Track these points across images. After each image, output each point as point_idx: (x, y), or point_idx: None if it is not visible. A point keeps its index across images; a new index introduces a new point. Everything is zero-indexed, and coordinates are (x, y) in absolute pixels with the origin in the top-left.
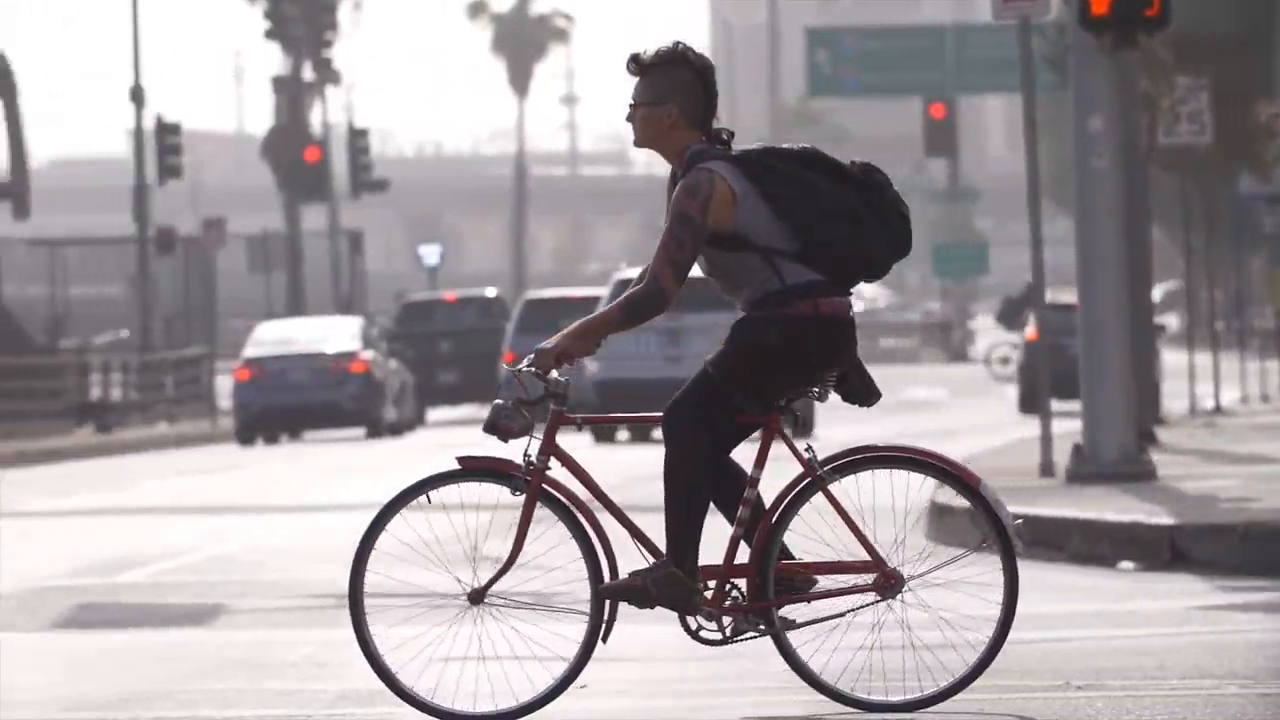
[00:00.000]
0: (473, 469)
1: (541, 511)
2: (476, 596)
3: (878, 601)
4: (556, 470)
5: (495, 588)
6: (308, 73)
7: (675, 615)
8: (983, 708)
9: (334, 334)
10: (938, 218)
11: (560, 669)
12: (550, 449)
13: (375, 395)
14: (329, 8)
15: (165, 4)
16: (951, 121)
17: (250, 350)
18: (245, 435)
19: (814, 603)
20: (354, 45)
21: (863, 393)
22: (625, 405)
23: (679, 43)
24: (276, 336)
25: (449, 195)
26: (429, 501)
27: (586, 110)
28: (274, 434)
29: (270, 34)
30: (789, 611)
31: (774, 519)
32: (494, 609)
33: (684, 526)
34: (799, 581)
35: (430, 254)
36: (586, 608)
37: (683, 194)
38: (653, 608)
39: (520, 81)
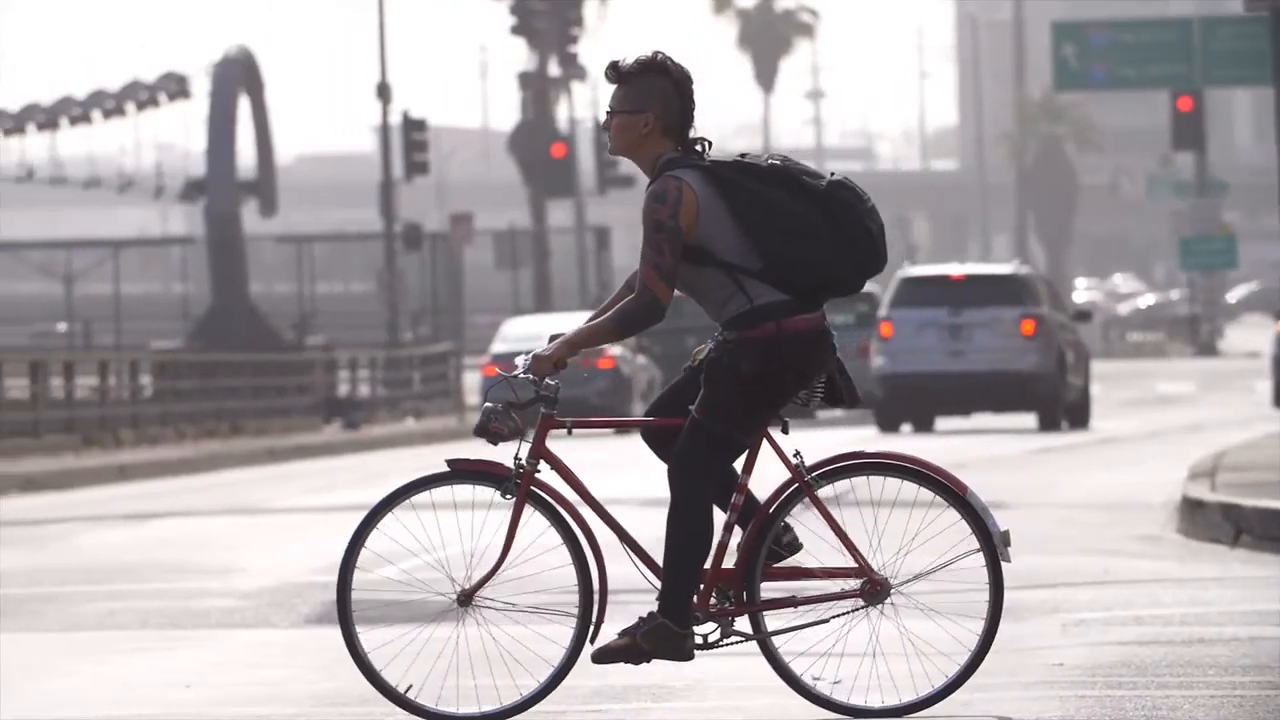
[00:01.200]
0: (463, 471)
1: (531, 514)
2: (465, 598)
3: (864, 608)
4: (546, 473)
5: (484, 590)
6: (554, 68)
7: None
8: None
9: None
10: (1185, 211)
11: (548, 671)
12: (540, 452)
13: (623, 391)
14: (575, 3)
15: (411, 0)
16: (1199, 114)
17: (498, 346)
18: None
19: (800, 608)
20: (600, 41)
21: (845, 396)
22: (909, 398)
23: (658, 52)
24: (524, 332)
25: None
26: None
27: (832, 105)
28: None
29: (516, 30)
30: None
31: (761, 525)
32: (482, 610)
33: (682, 575)
34: (786, 541)
35: None
36: (574, 610)
37: (652, 201)
38: (648, 662)
39: (766, 76)
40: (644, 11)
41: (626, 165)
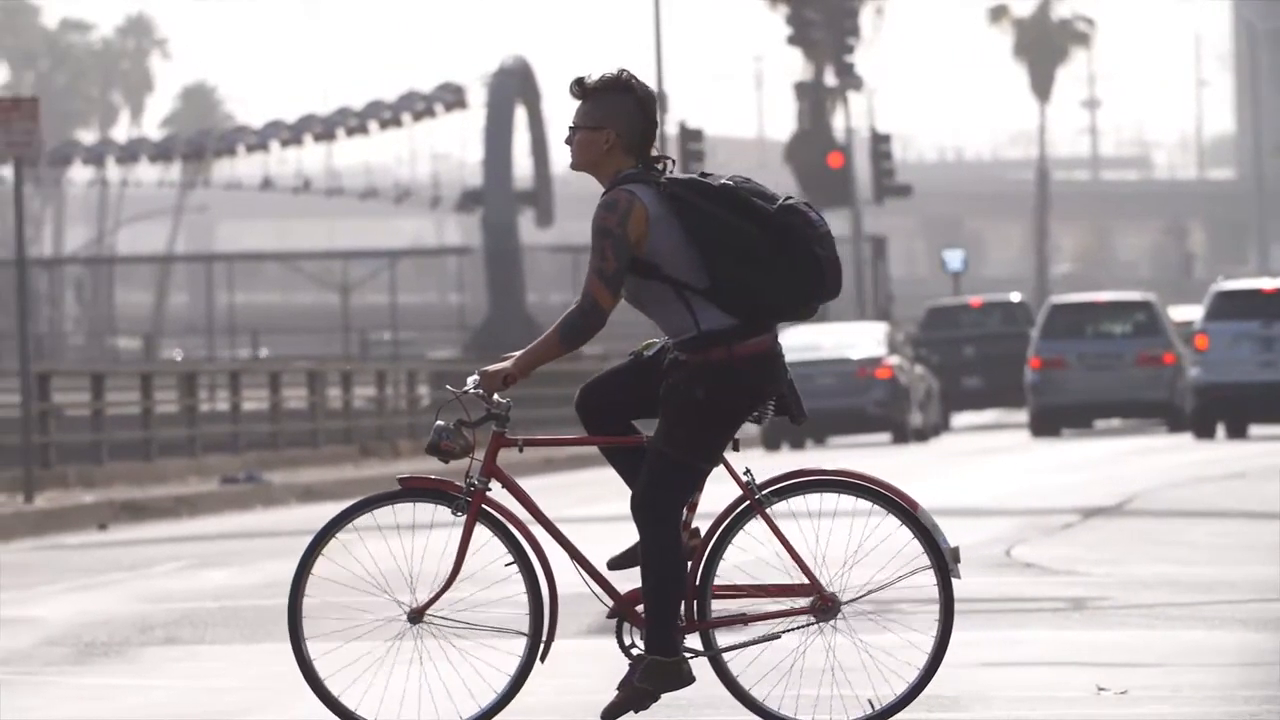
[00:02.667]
0: (414, 489)
1: (482, 532)
2: (416, 616)
3: (813, 624)
4: (497, 491)
5: (435, 607)
6: (830, 78)
7: (613, 630)
8: None
9: (860, 339)
10: None
11: (500, 685)
12: (491, 470)
13: (901, 401)
14: (851, 13)
15: (687, 10)
16: None
17: None
18: (771, 441)
19: (750, 624)
20: (875, 50)
21: (794, 411)
22: (1224, 406)
23: (624, 70)
24: (801, 341)
25: (970, 200)
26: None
27: (1108, 114)
28: (800, 439)
29: (793, 40)
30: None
31: (711, 542)
32: (434, 628)
33: (662, 609)
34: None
35: (954, 259)
36: (525, 626)
37: (601, 210)
38: (657, 700)
39: (1042, 86)
40: (920, 20)
41: (904, 175)
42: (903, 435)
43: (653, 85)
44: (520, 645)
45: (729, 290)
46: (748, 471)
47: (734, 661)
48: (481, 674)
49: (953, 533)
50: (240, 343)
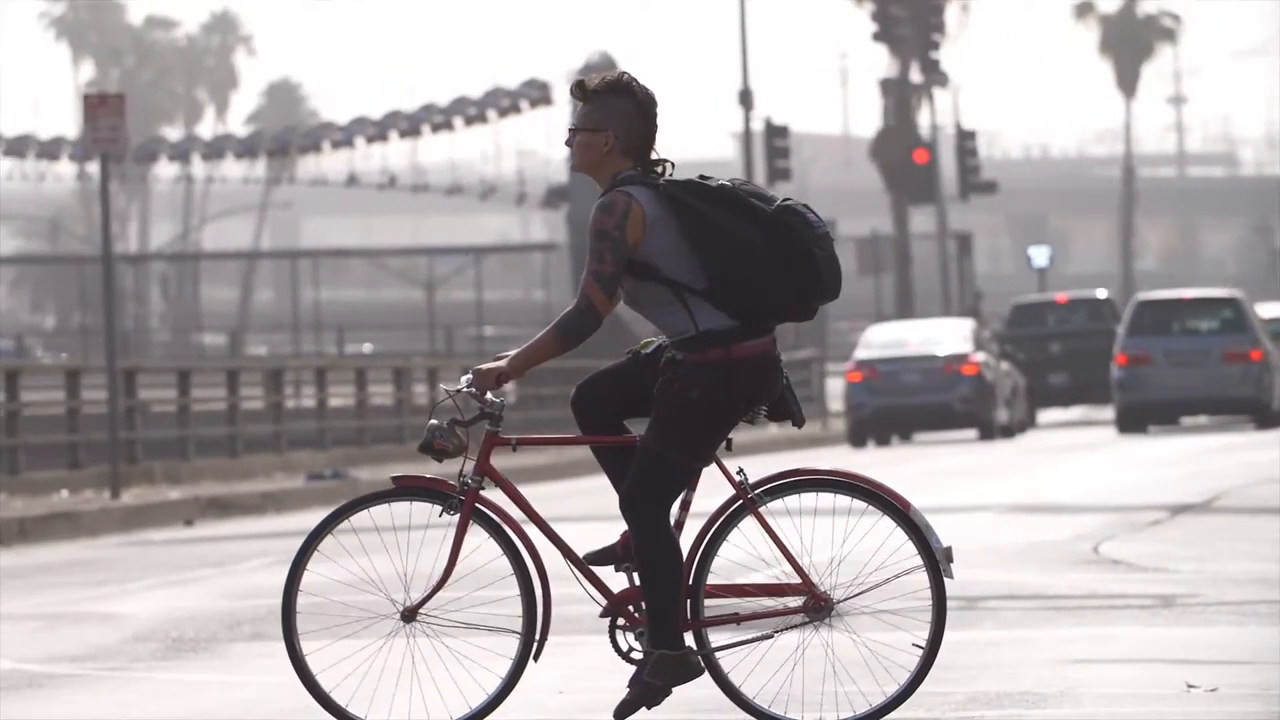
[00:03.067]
0: (407, 488)
1: (475, 531)
2: (409, 614)
3: (807, 624)
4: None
5: (428, 606)
6: (915, 75)
7: (606, 631)
8: None
9: (946, 336)
10: None
11: (494, 684)
12: (484, 469)
13: (987, 397)
14: (937, 9)
15: (772, 7)
16: None
17: (862, 352)
18: (857, 437)
19: (743, 624)
20: (961, 47)
21: (795, 415)
22: None
23: (624, 73)
24: (887, 339)
25: (1055, 197)
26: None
27: (1194, 110)
28: (885, 435)
29: (878, 36)
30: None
31: (705, 541)
32: (427, 626)
33: (662, 603)
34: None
35: (1039, 255)
36: (519, 625)
37: (599, 212)
38: (669, 694)
39: (1127, 82)
40: (1005, 17)
41: (989, 172)
42: (989, 432)
43: (739, 81)
44: (513, 644)
45: (727, 291)
46: (740, 470)
47: (727, 660)
48: (474, 673)
49: (1039, 529)
50: (326, 339)
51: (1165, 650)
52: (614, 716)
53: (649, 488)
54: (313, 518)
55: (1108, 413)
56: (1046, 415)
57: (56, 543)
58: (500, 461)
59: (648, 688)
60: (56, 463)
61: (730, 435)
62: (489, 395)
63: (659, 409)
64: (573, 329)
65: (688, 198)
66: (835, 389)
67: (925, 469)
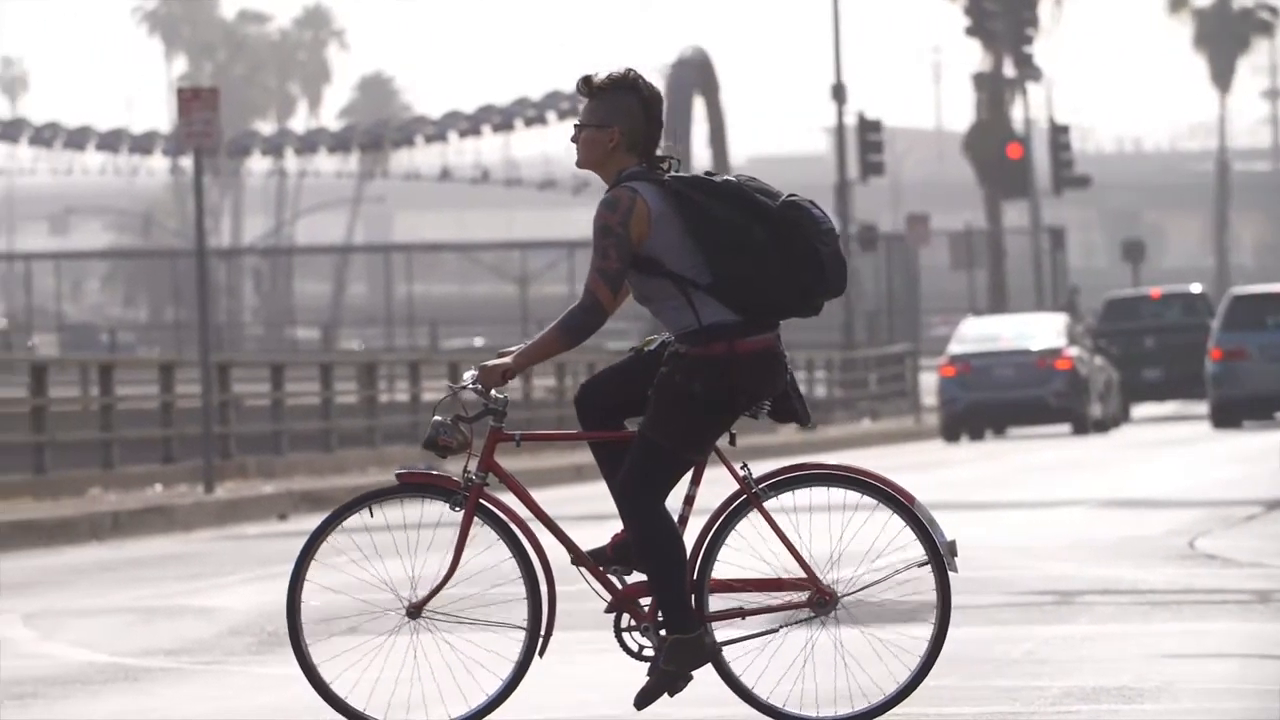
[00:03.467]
0: (412, 484)
1: (480, 527)
2: (414, 610)
3: (812, 618)
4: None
5: (433, 602)
6: (1008, 69)
7: (611, 627)
8: None
9: (1039, 330)
10: None
11: (500, 680)
12: (488, 465)
13: (1081, 392)
14: (1030, 4)
15: (866, 2)
16: None
17: (955, 347)
18: (950, 432)
19: (749, 619)
20: (1054, 41)
21: (799, 414)
22: None
23: (630, 70)
24: (981, 333)
25: (1149, 191)
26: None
27: None
28: (979, 430)
29: (971, 31)
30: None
31: (709, 536)
32: (432, 623)
33: (669, 590)
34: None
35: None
36: (524, 622)
37: (603, 208)
38: (688, 681)
39: (1222, 76)
40: (1099, 11)
41: (1083, 166)
42: (1083, 426)
43: (832, 76)
44: (519, 639)
45: (730, 286)
46: (744, 466)
47: (731, 654)
48: (479, 669)
49: (1134, 524)
50: (419, 334)
51: (1263, 645)
52: (635, 705)
53: (644, 476)
54: (407, 512)
55: (1202, 408)
56: (1140, 410)
57: (151, 536)
58: (501, 462)
59: (665, 674)
60: (151, 457)
61: (733, 430)
62: (493, 392)
63: (658, 398)
64: (578, 325)
65: (692, 193)
66: (929, 384)
67: (1019, 464)
